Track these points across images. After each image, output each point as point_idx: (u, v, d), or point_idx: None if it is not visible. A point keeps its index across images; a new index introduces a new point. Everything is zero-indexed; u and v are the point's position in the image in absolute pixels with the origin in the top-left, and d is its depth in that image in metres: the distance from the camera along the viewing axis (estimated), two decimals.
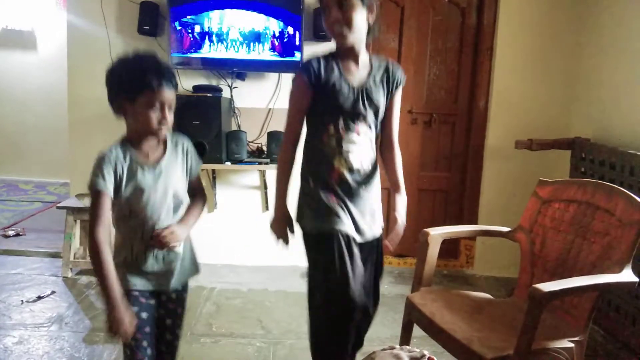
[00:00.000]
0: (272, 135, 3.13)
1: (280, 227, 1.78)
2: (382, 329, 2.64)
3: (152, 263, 1.51)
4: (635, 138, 2.62)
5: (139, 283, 1.51)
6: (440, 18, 3.41)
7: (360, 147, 1.68)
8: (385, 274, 3.41)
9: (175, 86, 1.48)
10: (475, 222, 3.44)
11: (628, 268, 1.68)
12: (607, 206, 1.83)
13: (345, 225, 1.64)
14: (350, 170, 1.66)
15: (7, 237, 3.79)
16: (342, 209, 1.66)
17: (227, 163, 3.11)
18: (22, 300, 2.81)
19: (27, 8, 5.48)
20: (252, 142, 3.33)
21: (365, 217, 1.72)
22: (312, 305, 1.77)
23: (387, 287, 3.22)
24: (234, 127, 3.31)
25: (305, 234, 1.74)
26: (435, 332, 1.78)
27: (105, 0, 3.25)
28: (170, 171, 1.53)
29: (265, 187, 3.41)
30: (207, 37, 3.15)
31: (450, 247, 3.49)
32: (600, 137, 2.92)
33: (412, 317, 1.95)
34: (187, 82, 3.26)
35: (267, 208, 3.45)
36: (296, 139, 1.74)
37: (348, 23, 1.55)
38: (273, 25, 3.12)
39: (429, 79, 3.47)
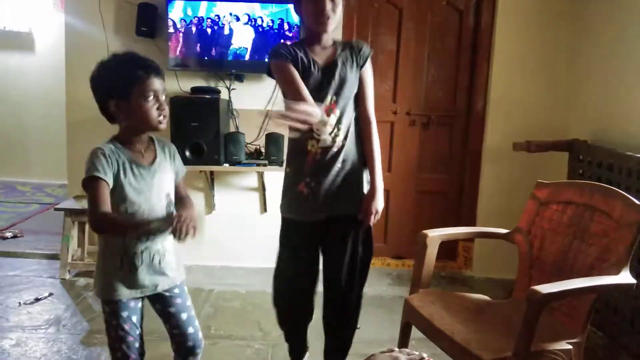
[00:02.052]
0: (271, 137, 3.13)
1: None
2: (381, 331, 2.64)
3: (147, 264, 1.53)
4: (632, 140, 2.63)
5: (126, 293, 1.52)
6: (438, 20, 3.41)
7: (331, 126, 1.75)
8: (384, 275, 3.44)
9: (162, 75, 1.51)
10: (473, 224, 3.45)
11: (626, 270, 1.68)
12: (604, 208, 1.83)
13: (304, 214, 1.83)
14: (324, 150, 1.76)
15: (4, 238, 3.79)
16: (310, 195, 1.79)
17: (225, 165, 3.10)
18: (19, 302, 2.80)
19: (24, 9, 5.47)
20: (250, 143, 3.33)
21: (339, 191, 1.80)
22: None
23: (385, 288, 3.22)
24: (232, 129, 3.31)
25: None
26: (434, 334, 1.78)
27: (103, 2, 3.24)
28: (163, 171, 1.56)
29: (264, 189, 3.41)
30: (205, 37, 3.15)
31: (448, 248, 3.49)
32: (597, 139, 2.93)
33: (411, 319, 1.94)
34: (185, 83, 3.26)
35: (265, 210, 3.45)
36: None
37: (335, 14, 1.70)
38: (274, 18, 3.12)
39: (427, 80, 3.47)
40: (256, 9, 3.12)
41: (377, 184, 1.81)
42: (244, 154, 3.16)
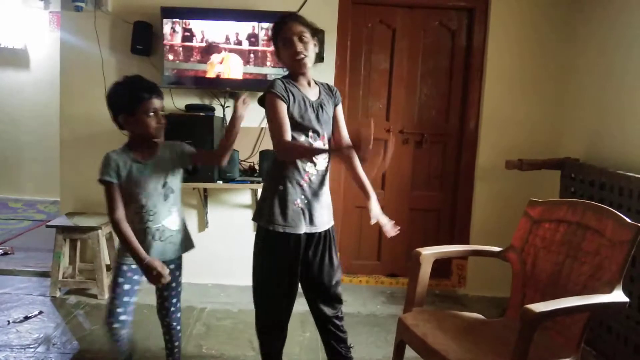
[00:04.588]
0: (264, 154, 3.13)
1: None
2: (375, 349, 2.62)
3: (150, 239, 1.87)
4: (624, 158, 2.65)
5: (129, 260, 1.85)
6: (431, 40, 3.46)
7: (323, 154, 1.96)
8: (377, 293, 3.43)
9: (161, 95, 1.88)
10: (467, 242, 3.45)
11: (619, 288, 1.69)
12: (597, 226, 1.84)
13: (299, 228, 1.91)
14: (317, 172, 1.94)
15: None
16: (305, 209, 1.92)
17: (219, 182, 3.10)
18: (8, 321, 2.76)
19: (20, 26, 5.49)
20: (244, 161, 3.33)
21: (322, 210, 1.97)
22: None
23: (379, 307, 3.20)
24: None
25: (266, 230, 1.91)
26: (428, 353, 1.76)
27: (98, 19, 3.26)
28: (159, 167, 1.90)
29: None
30: (199, 55, 3.17)
31: (442, 267, 3.48)
32: (589, 157, 2.96)
33: (405, 338, 1.93)
34: (179, 101, 3.27)
35: None
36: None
37: (307, 52, 1.88)
38: (265, 38, 3.16)
39: (420, 99, 3.50)
40: (248, 28, 3.15)
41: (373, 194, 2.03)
42: (237, 171, 3.16)
